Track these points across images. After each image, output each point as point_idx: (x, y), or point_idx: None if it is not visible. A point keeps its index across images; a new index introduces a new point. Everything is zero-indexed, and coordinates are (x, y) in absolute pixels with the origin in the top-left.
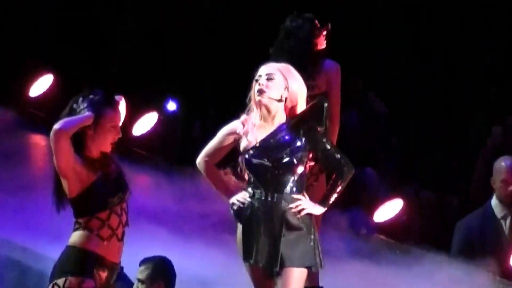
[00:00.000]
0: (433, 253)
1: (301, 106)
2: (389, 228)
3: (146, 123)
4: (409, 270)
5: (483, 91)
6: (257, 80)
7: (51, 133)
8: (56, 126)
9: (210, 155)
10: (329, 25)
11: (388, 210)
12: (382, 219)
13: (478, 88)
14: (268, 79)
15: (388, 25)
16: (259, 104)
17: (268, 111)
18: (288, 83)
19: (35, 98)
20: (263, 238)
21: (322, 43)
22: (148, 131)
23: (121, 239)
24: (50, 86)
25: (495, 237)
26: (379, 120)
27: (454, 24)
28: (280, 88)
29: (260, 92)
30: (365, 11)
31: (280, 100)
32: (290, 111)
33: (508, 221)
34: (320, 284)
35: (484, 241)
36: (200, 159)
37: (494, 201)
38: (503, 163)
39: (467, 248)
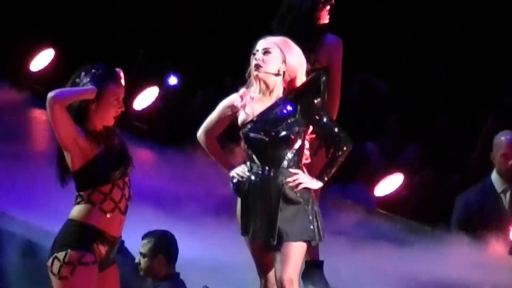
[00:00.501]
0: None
1: (301, 79)
2: (390, 203)
3: (147, 98)
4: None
5: (483, 76)
6: (254, 54)
7: (46, 102)
8: (50, 94)
9: (210, 129)
10: (333, 0)
11: (389, 185)
12: (382, 193)
13: (479, 72)
14: (265, 53)
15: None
16: (257, 79)
17: (266, 85)
18: (285, 57)
19: (36, 72)
20: (260, 213)
21: (325, 18)
22: (149, 105)
23: (123, 213)
24: (51, 61)
25: (495, 211)
26: (380, 96)
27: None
28: (277, 62)
29: (257, 67)
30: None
31: (277, 74)
32: (289, 85)
33: (508, 195)
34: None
35: (483, 215)
36: (200, 133)
37: (494, 175)
38: (503, 138)
39: (466, 222)
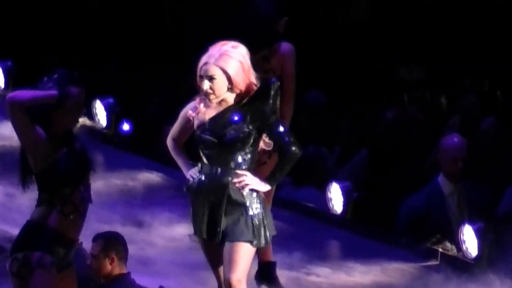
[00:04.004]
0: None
1: (247, 77)
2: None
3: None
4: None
5: None
6: (201, 77)
7: (6, 103)
8: (9, 95)
9: (173, 137)
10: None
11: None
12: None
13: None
14: (210, 80)
15: None
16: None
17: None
18: (229, 74)
19: None
20: (206, 212)
21: (281, 30)
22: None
23: (83, 216)
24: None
25: (442, 215)
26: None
27: None
28: (223, 84)
29: (207, 95)
30: None
31: (226, 91)
32: (238, 86)
33: (455, 198)
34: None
35: (430, 219)
36: (167, 141)
37: (441, 179)
38: (451, 141)
39: (412, 227)
